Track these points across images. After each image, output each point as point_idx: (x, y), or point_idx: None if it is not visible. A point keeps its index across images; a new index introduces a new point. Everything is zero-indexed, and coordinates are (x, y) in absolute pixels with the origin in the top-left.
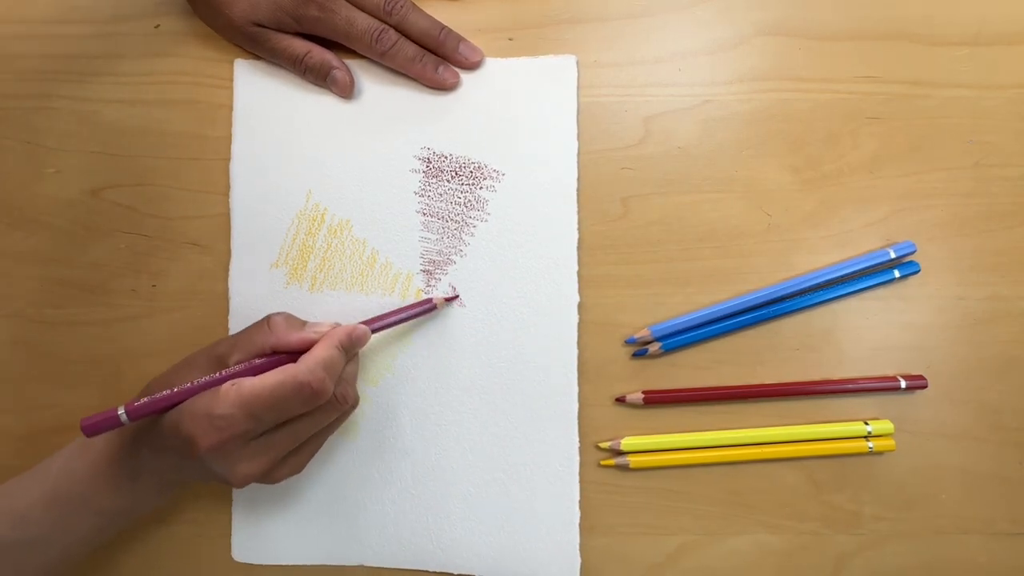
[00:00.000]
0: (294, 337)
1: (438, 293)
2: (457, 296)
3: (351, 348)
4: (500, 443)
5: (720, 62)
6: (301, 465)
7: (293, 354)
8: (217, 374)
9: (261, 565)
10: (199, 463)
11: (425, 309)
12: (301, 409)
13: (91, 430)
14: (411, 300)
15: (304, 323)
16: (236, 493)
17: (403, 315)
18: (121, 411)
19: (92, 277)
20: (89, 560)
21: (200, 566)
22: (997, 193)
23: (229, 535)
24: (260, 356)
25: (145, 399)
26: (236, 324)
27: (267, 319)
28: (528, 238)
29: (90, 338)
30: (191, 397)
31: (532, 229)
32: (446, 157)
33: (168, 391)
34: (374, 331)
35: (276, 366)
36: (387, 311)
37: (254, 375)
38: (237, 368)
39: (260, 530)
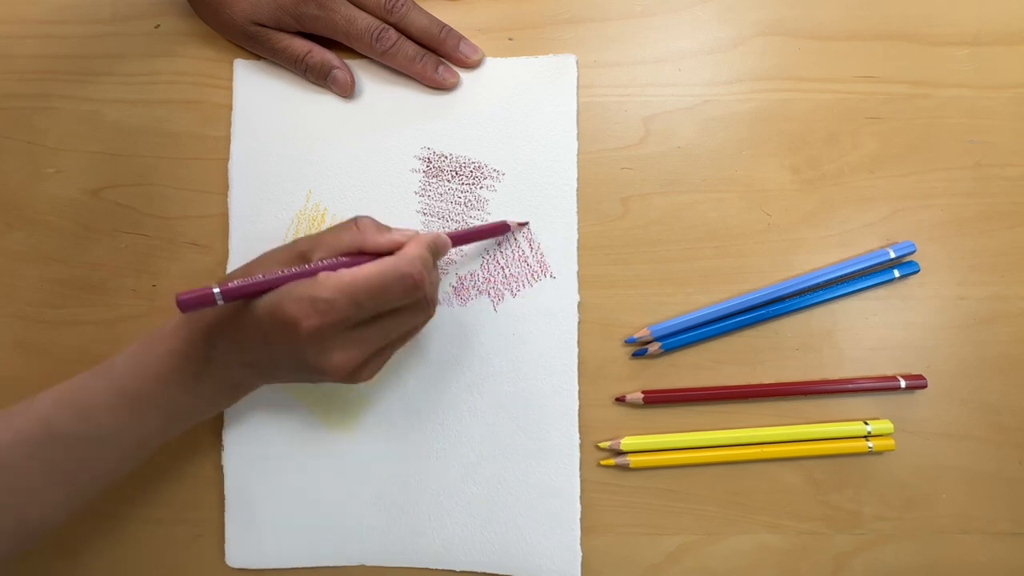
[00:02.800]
0: (384, 238)
1: (439, 293)
2: (527, 223)
3: (436, 254)
4: (500, 443)
5: (720, 62)
6: (377, 369)
7: (379, 255)
8: (307, 266)
9: (258, 570)
10: (291, 351)
11: (498, 229)
12: (400, 301)
13: (187, 305)
14: None
15: (390, 228)
16: (230, 497)
17: (478, 231)
18: (216, 290)
19: (92, 277)
20: (85, 559)
21: (195, 571)
22: (997, 193)
23: (223, 540)
24: (345, 255)
25: (239, 281)
26: None
27: (355, 220)
28: (528, 238)
29: (90, 338)
30: (285, 284)
31: (532, 229)
32: (446, 157)
33: (261, 276)
34: (453, 243)
35: (362, 264)
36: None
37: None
38: (326, 263)
39: (256, 534)
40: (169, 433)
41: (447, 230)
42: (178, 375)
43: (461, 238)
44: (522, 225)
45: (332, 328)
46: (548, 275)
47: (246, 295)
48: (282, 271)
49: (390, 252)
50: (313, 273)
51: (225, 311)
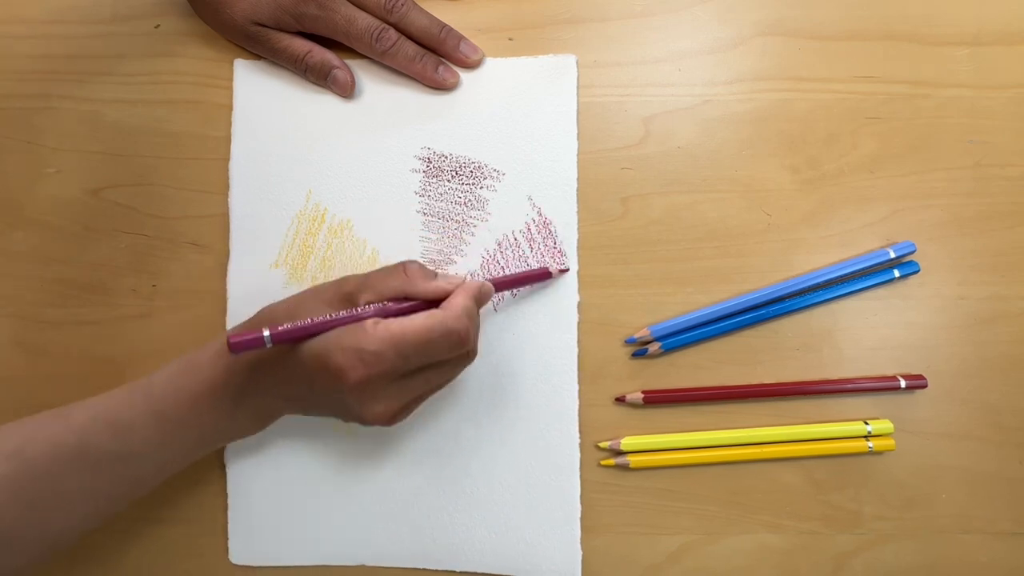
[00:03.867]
0: (431, 285)
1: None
2: (568, 269)
3: (480, 303)
4: (500, 443)
5: (720, 62)
6: (410, 411)
7: (426, 302)
8: (355, 310)
9: (260, 567)
10: (334, 396)
11: (540, 276)
12: (446, 355)
13: (238, 347)
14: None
15: (436, 273)
16: (233, 494)
17: (520, 277)
18: (266, 333)
19: (92, 277)
20: (86, 559)
21: (197, 569)
22: (997, 193)
23: (226, 537)
24: (392, 300)
25: (289, 325)
26: (234, 324)
27: (403, 265)
28: (528, 238)
29: (90, 338)
30: (333, 330)
31: (532, 229)
32: (446, 157)
33: (310, 320)
34: (496, 289)
35: (409, 312)
36: (506, 274)
37: (387, 316)
38: (374, 308)
39: (258, 531)
40: (199, 454)
41: (490, 276)
42: (216, 402)
43: (504, 284)
44: (563, 272)
45: (378, 380)
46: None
47: (295, 339)
48: (330, 315)
49: (436, 300)
50: (360, 319)
51: (271, 348)
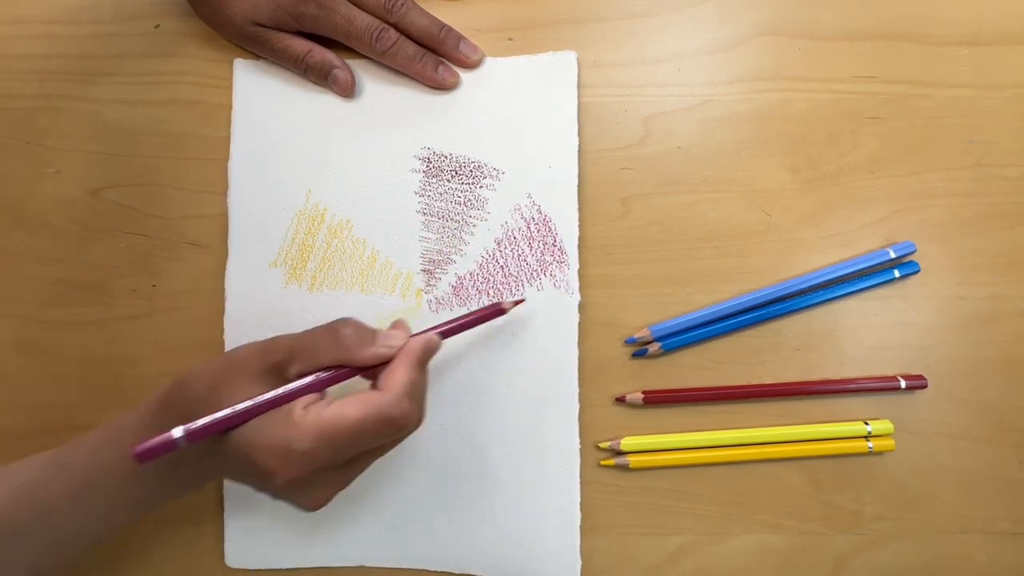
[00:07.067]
0: (367, 354)
1: (439, 292)
2: (523, 300)
3: (426, 361)
4: (500, 443)
5: (720, 62)
6: (349, 483)
7: (362, 368)
8: (282, 391)
9: (257, 570)
10: (266, 487)
11: (493, 314)
12: (383, 441)
13: (145, 457)
14: (412, 300)
15: (374, 332)
16: (228, 497)
17: (471, 319)
18: (179, 434)
19: (92, 277)
20: (84, 566)
21: (193, 573)
22: (997, 193)
23: (222, 540)
24: (325, 369)
25: (206, 421)
26: (232, 324)
27: (335, 330)
28: (528, 238)
29: (90, 338)
30: (257, 417)
31: (532, 229)
32: (446, 157)
33: (230, 411)
34: (443, 337)
35: (344, 379)
36: (453, 317)
37: (320, 389)
38: (303, 383)
39: (254, 534)
40: (130, 523)
41: (437, 326)
42: (143, 474)
43: (453, 331)
44: (517, 303)
45: (311, 475)
46: (548, 275)
47: (213, 433)
48: (253, 400)
49: (374, 366)
50: (288, 399)
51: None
